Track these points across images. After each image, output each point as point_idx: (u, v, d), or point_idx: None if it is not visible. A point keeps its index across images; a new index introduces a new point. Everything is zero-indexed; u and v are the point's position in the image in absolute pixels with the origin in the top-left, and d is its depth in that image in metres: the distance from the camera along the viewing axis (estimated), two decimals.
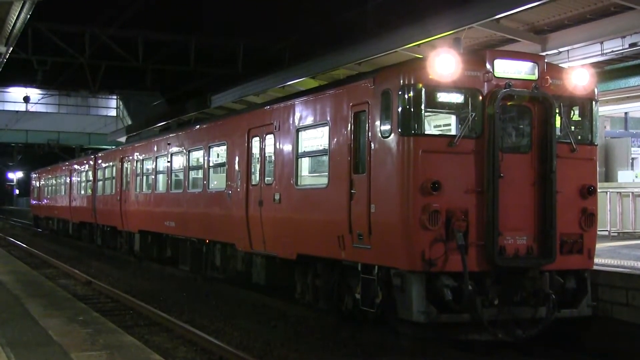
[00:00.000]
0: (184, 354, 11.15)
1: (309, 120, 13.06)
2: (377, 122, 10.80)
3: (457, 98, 10.69)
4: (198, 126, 19.49)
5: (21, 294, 14.35)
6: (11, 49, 18.01)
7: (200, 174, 18.50)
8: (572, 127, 11.21)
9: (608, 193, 17.97)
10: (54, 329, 10.45)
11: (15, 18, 14.56)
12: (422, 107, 10.34)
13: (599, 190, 11.58)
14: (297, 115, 13.42)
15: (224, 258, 17.02)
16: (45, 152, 60.40)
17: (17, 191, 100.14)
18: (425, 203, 10.02)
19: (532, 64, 10.89)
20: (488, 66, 10.54)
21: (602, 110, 17.12)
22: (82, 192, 33.55)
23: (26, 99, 45.77)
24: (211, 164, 17.73)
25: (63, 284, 19.03)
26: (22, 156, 75.53)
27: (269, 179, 14.39)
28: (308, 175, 13.61)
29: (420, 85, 10.26)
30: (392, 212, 10.41)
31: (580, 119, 11.34)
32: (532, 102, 10.71)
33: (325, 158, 12.42)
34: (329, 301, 12.64)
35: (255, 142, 15.07)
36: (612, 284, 10.87)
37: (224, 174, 16.69)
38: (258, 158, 14.94)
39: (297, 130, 13.33)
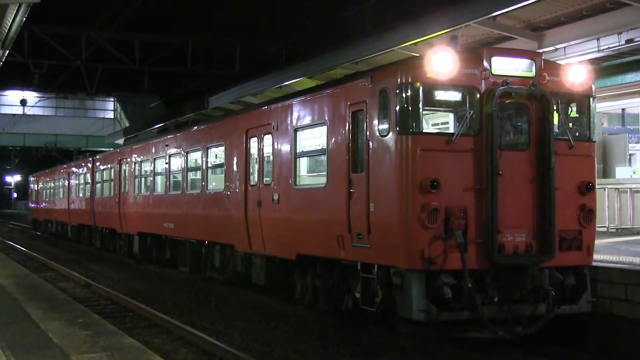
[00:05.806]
0: (184, 355, 11.15)
1: (307, 120, 13.05)
2: (375, 121, 10.78)
3: (455, 96, 10.69)
4: (196, 127, 19.47)
5: (21, 297, 14.35)
6: (7, 52, 18.00)
7: (198, 175, 18.48)
8: (570, 124, 11.21)
9: (606, 189, 17.96)
10: (54, 332, 10.45)
11: (10, 21, 14.53)
12: (420, 105, 10.33)
13: (597, 187, 11.58)
14: (295, 115, 13.40)
15: (224, 259, 17.00)
16: (43, 155, 60.44)
17: (15, 194, 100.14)
18: (424, 201, 10.01)
19: (529, 61, 10.87)
20: (485, 64, 10.52)
21: (600, 107, 17.12)
22: (81, 194, 33.52)
23: (23, 102, 45.76)
24: (209, 165, 17.72)
25: (62, 286, 19.02)
26: (19, 159, 75.69)
27: (268, 179, 14.37)
28: (306, 175, 13.60)
29: (418, 83, 10.25)
30: (391, 211, 10.40)
31: (577, 115, 11.33)
32: (530, 99, 10.70)
33: (324, 158, 12.40)
34: (328, 301, 12.62)
35: (254, 143, 15.06)
36: (611, 280, 10.87)
37: (223, 175, 16.68)
38: (256, 158, 14.92)
39: (295, 130, 13.32)
